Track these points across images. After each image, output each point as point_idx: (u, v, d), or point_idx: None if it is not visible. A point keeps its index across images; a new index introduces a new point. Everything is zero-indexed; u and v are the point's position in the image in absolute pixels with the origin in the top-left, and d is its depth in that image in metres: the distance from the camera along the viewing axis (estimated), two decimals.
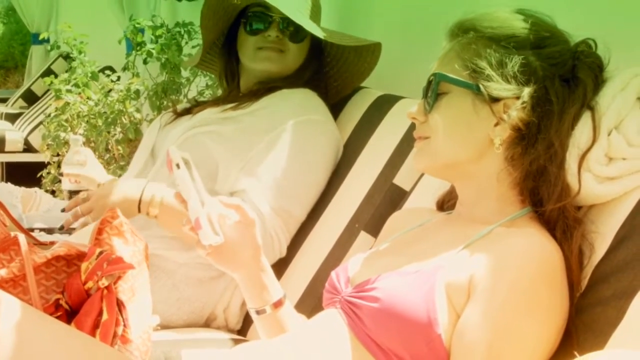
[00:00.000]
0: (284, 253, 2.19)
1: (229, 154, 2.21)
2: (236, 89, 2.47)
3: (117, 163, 3.67)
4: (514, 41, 1.47)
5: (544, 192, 1.47)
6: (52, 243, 1.78)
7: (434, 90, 1.52)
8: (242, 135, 2.24)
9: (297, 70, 2.42)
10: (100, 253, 1.69)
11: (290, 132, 2.20)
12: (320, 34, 2.31)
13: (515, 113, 1.45)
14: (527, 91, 1.45)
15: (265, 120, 2.25)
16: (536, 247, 1.39)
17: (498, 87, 1.46)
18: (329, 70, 2.52)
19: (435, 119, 1.52)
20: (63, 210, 2.14)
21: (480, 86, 1.47)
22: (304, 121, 2.23)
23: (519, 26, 1.49)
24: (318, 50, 2.41)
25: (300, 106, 2.28)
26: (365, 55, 2.43)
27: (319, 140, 2.24)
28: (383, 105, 2.32)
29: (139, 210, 2.06)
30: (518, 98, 1.45)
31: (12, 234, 1.69)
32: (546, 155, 1.45)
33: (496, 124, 1.48)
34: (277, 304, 1.66)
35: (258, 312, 1.66)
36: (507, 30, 1.49)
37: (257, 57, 2.39)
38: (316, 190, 2.24)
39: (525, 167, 1.47)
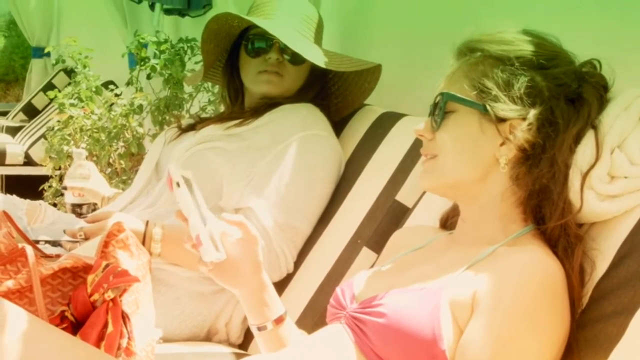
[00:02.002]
0: (290, 269, 2.20)
1: (233, 170, 2.23)
2: (239, 106, 2.49)
3: (119, 177, 3.68)
4: (521, 62, 1.49)
5: (546, 209, 1.48)
6: (58, 256, 1.80)
7: (441, 109, 1.53)
8: (246, 152, 2.26)
9: (299, 90, 2.44)
10: (107, 266, 1.70)
11: (293, 148, 2.22)
12: (318, 60, 2.33)
13: (521, 134, 1.47)
14: (533, 113, 1.47)
15: (268, 136, 2.27)
16: (538, 264, 1.40)
17: (505, 107, 1.47)
18: (331, 87, 2.54)
19: (442, 137, 1.54)
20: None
21: (487, 106, 1.48)
22: (307, 136, 2.25)
23: (526, 47, 1.51)
24: (321, 69, 2.42)
25: (303, 121, 2.29)
26: (366, 75, 2.45)
27: (322, 155, 2.26)
28: (386, 122, 2.34)
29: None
30: (524, 119, 1.47)
31: (20, 245, 1.70)
32: (549, 174, 1.47)
33: (502, 144, 1.49)
34: (278, 321, 1.66)
35: (259, 329, 1.66)
36: (514, 51, 1.50)
37: (257, 80, 2.41)
38: (321, 204, 2.26)
39: (529, 187, 1.49)
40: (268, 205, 2.15)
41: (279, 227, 2.14)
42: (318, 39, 2.47)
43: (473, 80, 1.51)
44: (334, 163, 2.29)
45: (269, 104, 2.37)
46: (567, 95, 1.50)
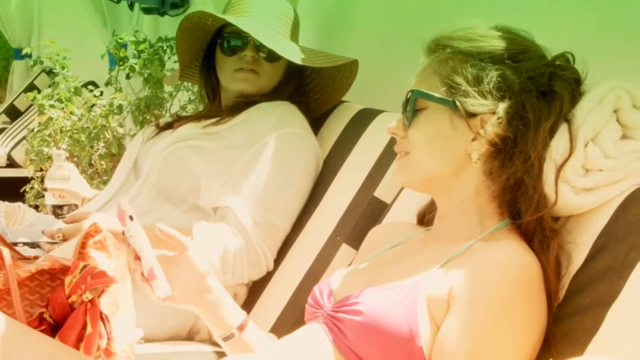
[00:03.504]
0: (271, 267, 2.20)
1: (211, 169, 2.23)
2: (217, 105, 2.49)
3: (100, 177, 3.67)
4: (490, 56, 1.49)
5: (521, 204, 1.49)
6: (36, 257, 1.79)
7: (412, 106, 1.54)
8: (223, 150, 2.26)
9: (276, 87, 2.44)
10: (84, 267, 1.70)
11: (271, 146, 2.22)
12: (294, 57, 2.33)
13: (491, 128, 1.47)
14: (502, 107, 1.46)
15: (245, 134, 2.27)
16: (513, 258, 1.40)
17: (474, 102, 1.47)
18: (309, 84, 2.54)
19: (414, 134, 1.54)
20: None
21: (457, 102, 1.48)
22: (283, 134, 2.25)
23: (496, 42, 1.51)
24: (297, 66, 2.42)
25: (280, 120, 2.30)
26: (343, 71, 2.45)
27: (300, 153, 2.27)
28: (364, 119, 2.34)
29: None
30: (494, 113, 1.47)
31: None
32: (523, 168, 1.47)
33: (473, 139, 1.49)
34: (241, 327, 1.65)
35: (225, 339, 1.66)
36: (483, 46, 1.50)
37: (234, 79, 2.42)
38: (299, 202, 2.26)
39: (503, 181, 1.49)
40: (246, 204, 2.15)
41: (258, 225, 2.15)
42: (294, 36, 2.47)
43: (442, 76, 1.51)
44: (312, 160, 2.29)
45: (245, 102, 2.37)
46: (538, 89, 1.50)
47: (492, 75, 1.47)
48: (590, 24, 1.94)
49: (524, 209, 1.48)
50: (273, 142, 2.23)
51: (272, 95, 2.42)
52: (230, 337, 1.65)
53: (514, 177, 1.48)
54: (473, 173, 1.52)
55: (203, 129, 2.32)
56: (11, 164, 6.00)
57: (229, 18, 2.35)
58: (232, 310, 1.66)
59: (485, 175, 1.51)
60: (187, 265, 1.63)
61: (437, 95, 1.51)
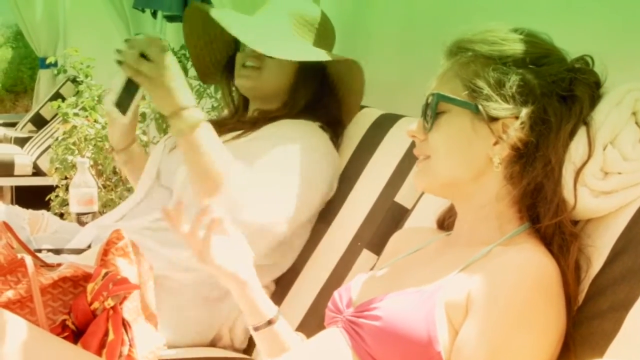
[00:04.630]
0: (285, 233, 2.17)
1: None
2: (238, 115, 2.49)
3: (124, 185, 3.70)
4: (512, 60, 1.49)
5: (540, 208, 1.48)
6: (60, 264, 1.81)
7: (433, 110, 1.53)
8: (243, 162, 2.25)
9: (291, 95, 2.41)
10: (106, 274, 1.72)
11: (281, 154, 2.20)
12: (272, 50, 2.29)
13: (514, 133, 1.47)
14: (525, 112, 1.46)
15: (262, 149, 2.23)
16: (532, 263, 1.40)
17: (497, 107, 1.47)
18: (337, 94, 2.50)
19: (435, 138, 1.53)
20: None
21: (479, 106, 1.48)
22: (296, 149, 2.22)
23: (517, 45, 1.50)
24: (312, 73, 2.40)
25: (301, 134, 2.27)
26: (356, 72, 2.40)
27: (310, 166, 2.23)
28: (384, 124, 2.34)
29: None
30: (517, 117, 1.47)
31: (19, 255, 1.72)
32: (544, 173, 1.47)
33: (495, 143, 1.49)
34: (274, 320, 1.68)
35: (258, 328, 1.68)
36: (505, 49, 1.50)
37: (239, 74, 2.42)
38: (305, 216, 2.24)
39: (524, 185, 1.49)
40: (256, 205, 2.11)
41: (255, 226, 2.11)
42: (318, 39, 2.44)
43: (464, 80, 1.50)
44: (322, 176, 2.26)
45: (267, 118, 2.36)
46: (559, 93, 1.49)
47: (514, 80, 1.47)
48: (614, 25, 1.94)
49: (543, 213, 1.48)
50: (285, 155, 2.20)
51: (288, 105, 2.40)
52: (263, 326, 1.67)
53: (534, 181, 1.48)
54: (494, 178, 1.52)
55: (224, 143, 2.30)
56: (37, 172, 6.05)
57: (214, 13, 2.33)
58: (267, 301, 1.70)
59: (506, 180, 1.51)
60: (239, 242, 1.70)
61: (459, 98, 1.50)
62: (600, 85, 1.53)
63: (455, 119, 1.51)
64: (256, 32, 2.33)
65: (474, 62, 1.51)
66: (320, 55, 2.33)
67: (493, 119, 1.48)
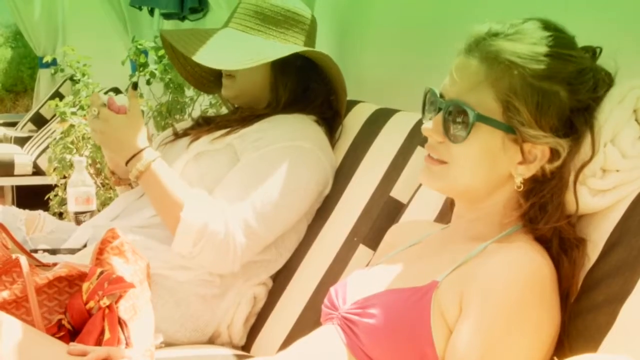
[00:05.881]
0: (235, 269, 2.16)
1: (219, 176, 2.22)
2: (232, 114, 2.49)
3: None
4: (549, 77, 1.43)
5: (543, 213, 1.47)
6: (55, 264, 1.81)
7: (467, 125, 1.44)
8: (233, 158, 2.25)
9: (272, 94, 2.41)
10: (101, 273, 1.71)
11: (274, 156, 2.19)
12: (226, 64, 2.33)
13: (546, 162, 1.44)
14: (565, 145, 1.43)
15: (253, 142, 2.24)
16: (524, 262, 1.39)
17: (535, 134, 1.42)
18: (327, 84, 2.48)
19: (460, 151, 1.47)
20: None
21: (517, 130, 1.43)
22: (289, 146, 2.22)
23: (555, 62, 1.43)
24: (289, 67, 2.39)
25: (290, 132, 2.26)
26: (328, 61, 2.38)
27: (303, 168, 2.22)
28: (379, 118, 2.34)
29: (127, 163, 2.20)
30: (550, 147, 1.44)
31: (14, 256, 1.72)
32: (557, 187, 1.46)
33: (520, 162, 1.46)
34: None
35: None
36: (541, 68, 1.42)
37: (223, 85, 2.45)
38: (292, 217, 2.23)
39: (535, 199, 1.47)
40: (238, 208, 2.12)
41: (242, 230, 2.11)
42: (286, 30, 2.40)
43: (499, 94, 1.43)
44: (315, 177, 2.25)
45: (255, 115, 2.36)
46: (586, 108, 1.46)
47: (553, 108, 1.42)
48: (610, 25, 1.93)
49: (546, 218, 1.46)
50: (275, 153, 2.21)
51: (274, 103, 2.40)
52: None
53: (548, 195, 1.46)
54: (508, 190, 1.49)
55: (212, 142, 2.31)
56: (37, 171, 6.06)
57: (166, 33, 2.44)
58: None
59: (520, 194, 1.49)
60: None
61: (496, 119, 1.43)
62: (613, 81, 1.51)
63: (485, 135, 1.45)
64: (213, 46, 2.34)
65: (509, 75, 1.43)
66: (269, 54, 2.32)
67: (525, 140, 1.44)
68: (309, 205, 2.27)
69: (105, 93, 2.25)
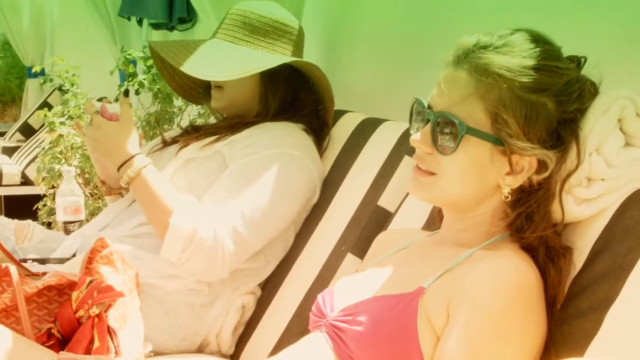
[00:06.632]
0: (224, 276, 2.16)
1: (207, 183, 2.23)
2: (221, 121, 2.50)
3: None
4: (536, 90, 1.44)
5: (529, 223, 1.48)
6: (45, 273, 1.81)
7: (456, 137, 1.45)
8: (221, 165, 2.26)
9: (262, 103, 2.42)
10: (91, 282, 1.72)
11: (261, 163, 2.19)
12: (217, 75, 2.33)
13: (533, 173, 1.46)
14: (553, 157, 1.44)
15: (242, 149, 2.25)
16: (510, 270, 1.40)
17: (524, 146, 1.43)
18: (315, 93, 2.49)
19: (448, 162, 1.47)
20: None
21: (505, 142, 1.44)
22: (277, 153, 2.23)
23: (542, 75, 1.44)
24: (277, 77, 2.40)
25: (278, 139, 2.27)
26: (315, 70, 2.39)
27: (290, 175, 2.23)
28: (367, 128, 2.35)
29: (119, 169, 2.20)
30: (538, 159, 1.45)
31: (3, 265, 1.72)
32: (544, 197, 1.48)
33: (508, 173, 1.47)
34: None
35: None
36: (529, 81, 1.44)
37: (212, 97, 2.47)
38: (280, 224, 2.24)
39: (523, 209, 1.48)
40: (225, 215, 2.12)
41: (230, 237, 2.12)
42: (273, 41, 2.42)
43: (488, 106, 1.44)
44: (303, 184, 2.26)
45: (243, 122, 2.37)
46: (572, 119, 1.48)
47: (540, 117, 1.44)
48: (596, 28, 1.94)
49: (533, 227, 1.48)
50: (264, 160, 2.21)
51: (263, 112, 2.41)
52: None
53: (534, 205, 1.48)
54: (496, 200, 1.51)
55: (201, 149, 2.32)
56: (25, 181, 6.05)
57: (155, 44, 2.44)
58: None
59: (507, 204, 1.50)
60: None
61: (485, 131, 1.44)
62: (597, 90, 1.52)
63: (474, 148, 1.46)
64: (202, 57, 2.35)
65: (498, 88, 1.43)
66: (257, 64, 2.33)
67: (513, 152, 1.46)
68: (297, 213, 2.28)
69: (99, 100, 2.26)
